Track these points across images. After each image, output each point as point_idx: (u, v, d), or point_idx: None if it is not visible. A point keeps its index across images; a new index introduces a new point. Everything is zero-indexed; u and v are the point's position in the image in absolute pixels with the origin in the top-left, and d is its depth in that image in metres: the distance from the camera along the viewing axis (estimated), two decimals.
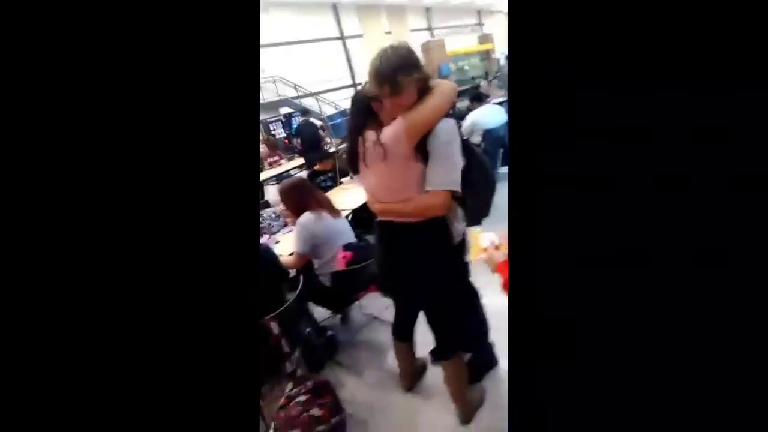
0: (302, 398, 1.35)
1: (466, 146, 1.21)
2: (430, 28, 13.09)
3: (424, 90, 1.12)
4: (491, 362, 1.65)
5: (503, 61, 10.42)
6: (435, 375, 1.69)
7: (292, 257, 1.79)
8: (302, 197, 1.83)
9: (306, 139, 4.42)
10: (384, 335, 2.05)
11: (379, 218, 1.30)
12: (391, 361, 1.83)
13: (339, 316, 2.26)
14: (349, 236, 1.91)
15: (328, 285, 1.82)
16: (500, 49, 11.08)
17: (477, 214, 1.32)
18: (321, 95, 11.24)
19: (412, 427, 1.54)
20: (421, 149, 1.11)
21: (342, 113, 4.50)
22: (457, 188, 1.12)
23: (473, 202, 1.27)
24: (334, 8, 11.76)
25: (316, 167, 3.42)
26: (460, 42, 10.72)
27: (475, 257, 0.90)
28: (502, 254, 0.86)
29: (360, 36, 11.30)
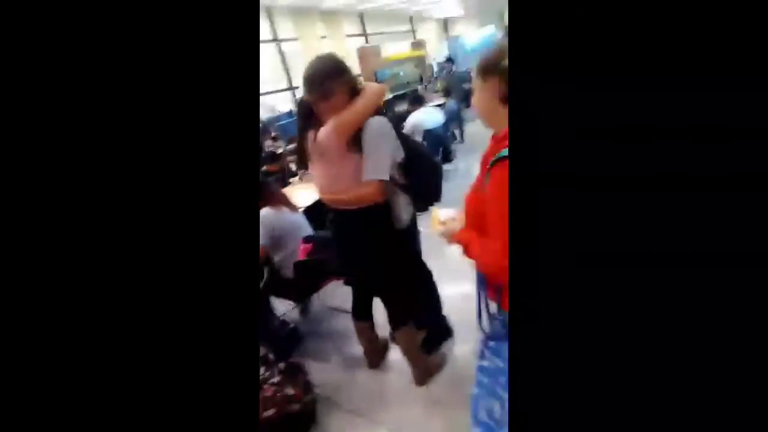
0: (275, 379, 1.42)
1: (404, 139, 1.40)
2: (365, 34, 13.36)
3: (354, 93, 1.30)
4: (446, 334, 1.83)
5: (436, 67, 11.01)
6: (398, 352, 1.84)
7: None
8: (266, 190, 1.89)
9: None
10: (345, 324, 2.16)
11: (330, 208, 1.45)
12: (355, 346, 1.95)
13: (298, 308, 2.33)
14: (308, 230, 2.00)
15: (289, 277, 1.89)
16: (432, 55, 11.64)
17: (425, 198, 1.50)
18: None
19: (380, 397, 1.67)
20: (356, 144, 1.27)
21: (289, 114, 4.52)
22: (386, 177, 1.30)
23: (418, 188, 1.45)
24: (268, 12, 11.57)
25: (264, 168, 3.42)
26: (395, 48, 11.10)
27: (434, 229, 1.05)
28: (458, 225, 1.02)
29: (295, 39, 11.24)
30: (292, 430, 1.45)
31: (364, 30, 13.38)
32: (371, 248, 1.40)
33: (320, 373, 1.83)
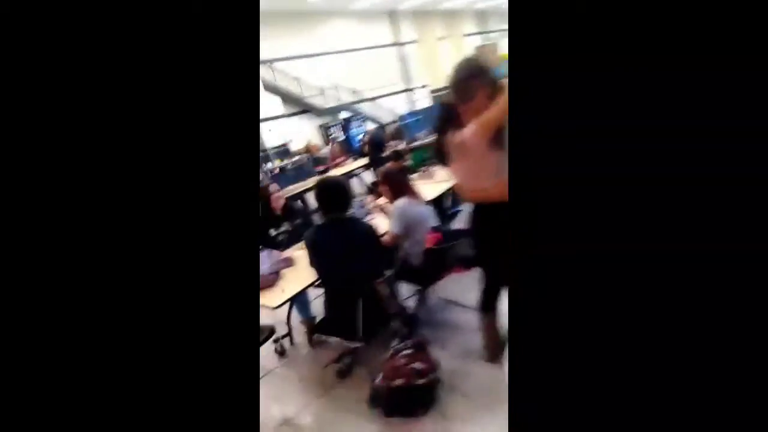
0: (407, 352, 1.56)
1: None
2: (482, 32, 13.08)
3: (493, 93, 1.36)
4: None
5: None
6: None
7: (386, 237, 2.02)
8: (402, 182, 2.08)
9: (374, 144, 4.78)
10: (459, 316, 2.23)
11: (472, 202, 1.54)
12: (470, 338, 2.00)
13: (416, 297, 2.46)
14: (434, 221, 2.11)
15: (416, 264, 2.03)
16: None
17: None
18: (377, 100, 11.61)
19: (499, 390, 1.69)
20: (498, 143, 1.35)
21: (413, 114, 4.77)
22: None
23: None
24: (391, 16, 12.12)
25: (388, 165, 3.67)
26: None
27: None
28: None
29: (415, 42, 11.58)
30: (415, 402, 1.57)
31: (482, 28, 13.13)
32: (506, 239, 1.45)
33: (439, 359, 1.93)
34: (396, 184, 2.07)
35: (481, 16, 13.07)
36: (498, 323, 1.79)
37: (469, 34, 12.52)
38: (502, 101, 1.33)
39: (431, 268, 1.97)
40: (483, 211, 1.50)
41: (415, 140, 4.35)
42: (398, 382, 1.52)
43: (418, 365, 1.54)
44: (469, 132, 1.37)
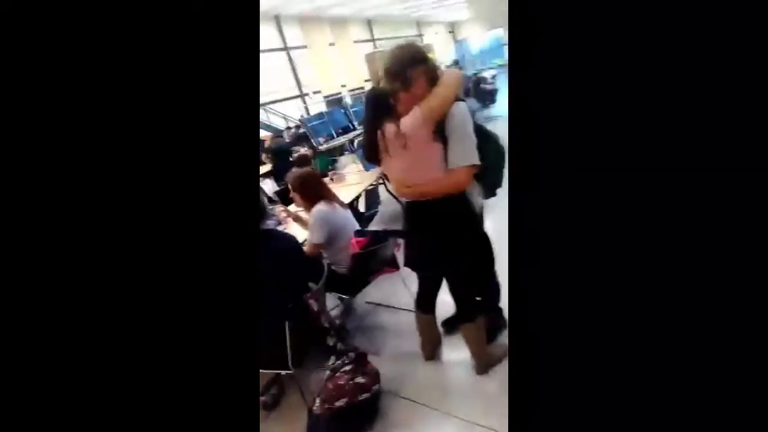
0: (347, 368, 1.43)
1: (475, 124, 1.38)
2: (372, 39, 13.48)
3: (433, 80, 1.29)
4: (501, 324, 1.84)
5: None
6: (450, 342, 1.85)
7: (307, 247, 1.86)
8: (318, 186, 1.92)
9: (276, 151, 4.49)
10: (386, 319, 2.18)
11: (407, 200, 1.45)
12: (403, 340, 1.96)
13: (342, 306, 2.34)
14: (356, 225, 2.02)
15: (342, 272, 1.91)
16: (439, 59, 11.70)
17: (492, 185, 1.50)
18: (269, 106, 11.09)
19: (440, 388, 1.67)
20: (439, 132, 1.26)
21: (318, 116, 4.59)
22: (477, 161, 1.29)
23: (488, 175, 1.45)
24: (276, 20, 11.73)
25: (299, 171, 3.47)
26: None
27: None
28: None
29: (304, 47, 11.37)
30: (360, 420, 1.46)
31: (372, 36, 13.52)
32: (455, 237, 1.40)
33: (374, 364, 1.85)
34: (311, 190, 1.92)
35: (369, 24, 13.46)
36: (435, 322, 1.78)
37: (358, 41, 12.76)
38: (445, 89, 1.27)
39: (359, 273, 1.87)
40: (420, 208, 1.41)
41: (320, 144, 4.22)
42: (340, 402, 1.39)
43: (360, 380, 1.43)
44: (411, 121, 1.27)
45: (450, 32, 18.14)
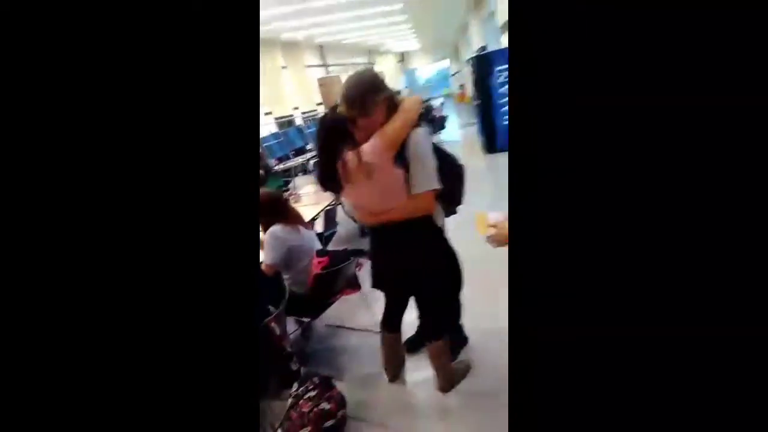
0: (312, 393, 1.36)
1: (434, 146, 1.43)
2: (324, 65, 13.67)
3: (391, 107, 1.31)
4: (463, 341, 1.86)
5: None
6: (412, 362, 1.84)
7: (262, 267, 1.79)
8: (276, 206, 1.86)
9: None
10: (349, 341, 2.13)
11: (367, 223, 1.44)
12: (364, 362, 1.92)
13: (300, 329, 2.25)
14: (318, 244, 1.98)
15: (302, 293, 1.85)
16: (390, 86, 12.08)
17: (453, 203, 1.55)
18: None
19: (406, 410, 1.64)
20: (399, 158, 1.28)
21: (275, 135, 4.49)
22: (438, 186, 1.32)
23: (449, 194, 1.49)
24: None
25: None
26: None
27: (482, 232, 1.07)
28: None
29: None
30: None
31: (324, 61, 13.73)
32: (423, 258, 1.41)
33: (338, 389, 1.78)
34: (268, 210, 1.86)
35: (321, 49, 13.66)
36: (400, 341, 1.76)
37: (310, 66, 12.88)
38: (404, 115, 1.29)
39: (321, 294, 1.82)
40: (386, 231, 1.40)
41: (274, 165, 4.12)
42: (305, 431, 1.31)
43: (325, 405, 1.37)
44: (372, 148, 1.25)
45: (399, 62, 18.91)
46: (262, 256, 1.81)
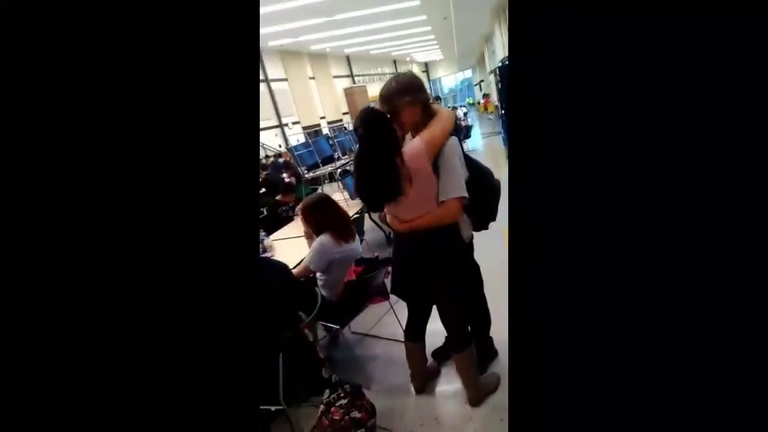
0: (343, 401, 1.38)
1: (468, 159, 1.43)
2: (351, 75, 13.91)
3: (425, 112, 1.33)
4: (492, 353, 1.84)
5: None
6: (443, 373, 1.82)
7: (298, 268, 1.83)
8: (327, 215, 1.87)
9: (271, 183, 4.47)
10: (378, 349, 2.13)
11: (397, 230, 1.44)
12: (393, 371, 1.92)
13: (327, 338, 2.28)
14: (360, 253, 2.00)
15: (331, 299, 1.88)
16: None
17: (484, 218, 1.54)
18: None
19: (434, 422, 1.63)
20: (434, 166, 1.29)
21: (305, 145, 4.61)
22: (465, 194, 1.32)
23: (479, 207, 1.49)
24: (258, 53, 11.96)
25: (278, 198, 3.44)
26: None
27: None
28: None
29: (285, 80, 11.59)
30: None
31: (351, 71, 13.99)
32: (445, 266, 1.40)
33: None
34: (320, 218, 1.87)
35: (348, 60, 13.93)
36: (424, 352, 1.75)
37: (337, 76, 13.14)
38: (443, 123, 1.30)
39: (351, 301, 1.84)
40: (411, 238, 1.40)
41: (304, 173, 4.22)
42: None
43: (356, 414, 1.38)
44: (416, 152, 1.26)
45: (424, 71, 19.04)
46: (305, 258, 1.84)
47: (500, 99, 6.36)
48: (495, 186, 1.52)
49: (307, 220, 1.88)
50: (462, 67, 19.46)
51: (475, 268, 1.54)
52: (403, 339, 1.72)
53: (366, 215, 3.22)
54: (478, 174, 1.41)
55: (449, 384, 1.78)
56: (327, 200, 1.93)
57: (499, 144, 6.73)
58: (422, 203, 1.32)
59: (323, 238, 1.83)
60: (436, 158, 1.29)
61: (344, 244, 1.87)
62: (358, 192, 1.39)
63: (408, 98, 1.29)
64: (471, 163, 1.42)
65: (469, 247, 1.50)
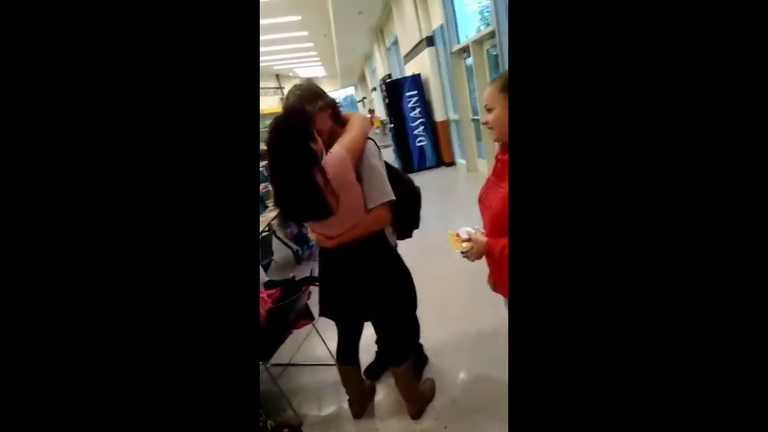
0: None
1: (387, 166, 1.38)
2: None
3: (336, 117, 1.27)
4: (424, 359, 1.83)
5: None
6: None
7: None
8: None
9: None
10: (304, 378, 1.95)
11: (323, 246, 1.33)
12: (326, 397, 1.77)
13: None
14: (263, 276, 1.80)
15: None
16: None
17: (408, 225, 1.52)
18: None
19: None
20: (357, 173, 1.22)
21: None
22: (393, 197, 1.27)
23: (407, 215, 1.46)
24: None
25: None
26: (265, 103, 11.13)
27: (457, 248, 1.06)
28: (482, 237, 1.06)
29: None
30: None
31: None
32: (380, 278, 1.34)
33: None
34: None
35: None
36: (360, 373, 1.65)
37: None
38: (359, 124, 1.24)
39: (275, 331, 1.64)
40: (339, 253, 1.31)
41: None
42: None
43: None
44: (338, 162, 1.16)
45: None
46: None
47: (388, 113, 6.62)
48: (417, 191, 1.52)
49: None
50: (345, 84, 19.95)
51: (408, 275, 1.51)
52: (328, 362, 1.59)
53: (273, 234, 2.98)
54: (397, 182, 1.36)
55: (386, 401, 1.71)
56: None
57: (390, 155, 7.00)
58: (351, 216, 1.23)
59: None
60: (357, 165, 1.22)
61: None
62: (279, 206, 1.24)
63: (320, 103, 1.21)
64: (389, 170, 1.37)
65: (397, 253, 1.47)
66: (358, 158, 1.22)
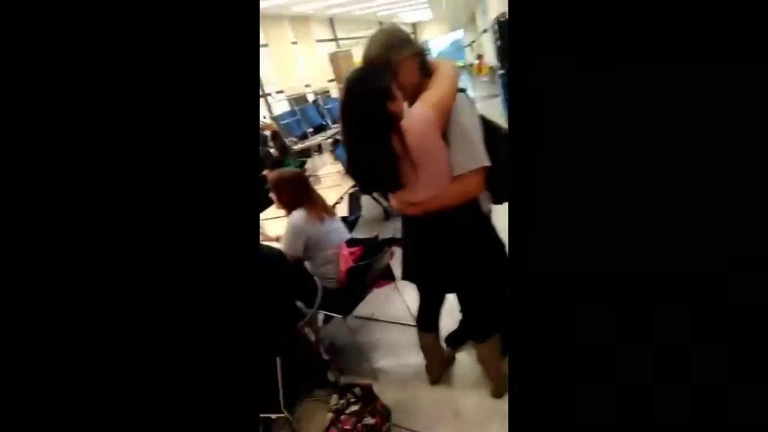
0: (353, 408, 1.20)
1: (483, 120, 1.16)
2: (336, 39, 13.21)
3: (423, 69, 1.06)
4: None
5: None
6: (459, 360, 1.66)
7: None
8: (300, 192, 1.66)
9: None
10: (384, 335, 1.96)
11: (403, 213, 1.21)
12: (403, 359, 1.75)
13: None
14: (346, 233, 1.78)
15: (331, 287, 1.67)
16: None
17: (504, 188, 1.31)
18: None
19: (452, 416, 1.47)
20: (444, 134, 1.03)
21: (291, 113, 4.25)
22: (487, 162, 1.07)
23: (499, 177, 1.24)
24: None
25: (264, 173, 3.16)
26: None
27: None
28: None
29: (265, 46, 10.93)
30: None
31: (335, 35, 13.24)
32: (467, 250, 1.19)
33: (376, 390, 1.62)
34: (292, 194, 1.66)
35: (332, 22, 13.17)
36: (439, 341, 1.57)
37: (321, 40, 12.42)
38: (447, 76, 1.04)
39: (354, 289, 1.63)
40: (423, 222, 1.17)
41: (293, 144, 3.90)
42: None
43: (368, 420, 1.20)
44: (420, 124, 0.98)
45: (412, 33, 18.22)
46: (281, 244, 1.63)
47: (499, 59, 5.96)
48: None
49: (278, 195, 1.65)
50: (452, 27, 18.65)
51: (500, 247, 1.32)
52: (409, 322, 1.53)
53: None
54: (491, 135, 1.13)
55: (467, 373, 1.62)
56: (296, 176, 1.73)
57: (497, 107, 6.38)
58: (434, 183, 1.07)
59: (294, 216, 1.61)
60: (444, 124, 1.02)
61: (319, 223, 1.64)
62: (350, 174, 1.14)
63: (406, 52, 1.01)
64: (487, 126, 1.14)
65: (490, 222, 1.28)
66: (446, 117, 1.02)
